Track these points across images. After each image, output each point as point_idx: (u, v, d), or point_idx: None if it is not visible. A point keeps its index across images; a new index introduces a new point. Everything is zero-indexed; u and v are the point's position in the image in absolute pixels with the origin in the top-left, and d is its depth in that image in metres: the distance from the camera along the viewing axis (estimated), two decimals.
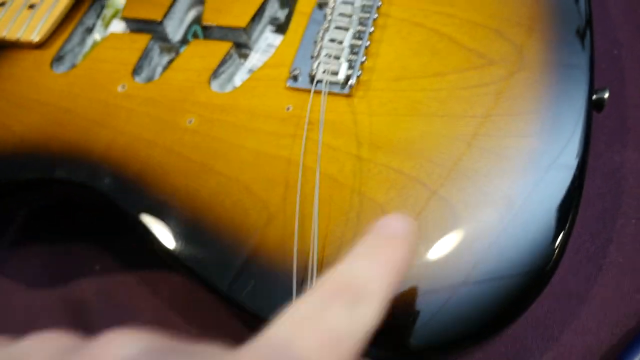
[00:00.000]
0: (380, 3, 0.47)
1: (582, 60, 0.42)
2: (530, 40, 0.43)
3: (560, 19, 0.44)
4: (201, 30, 0.52)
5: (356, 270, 0.19)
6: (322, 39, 0.45)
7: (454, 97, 0.41)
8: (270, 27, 0.53)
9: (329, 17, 0.46)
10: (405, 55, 0.44)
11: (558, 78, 0.42)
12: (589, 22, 0.44)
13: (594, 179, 0.45)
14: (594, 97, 0.42)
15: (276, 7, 0.54)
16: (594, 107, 0.43)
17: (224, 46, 0.49)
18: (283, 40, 0.48)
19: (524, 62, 0.42)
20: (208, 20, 0.50)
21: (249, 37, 0.51)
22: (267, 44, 0.52)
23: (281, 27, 0.52)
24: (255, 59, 0.51)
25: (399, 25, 0.46)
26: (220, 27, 0.50)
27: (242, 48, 0.51)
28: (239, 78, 0.50)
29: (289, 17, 0.50)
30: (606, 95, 0.43)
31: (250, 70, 0.50)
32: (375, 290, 0.19)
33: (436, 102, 0.41)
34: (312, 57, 0.45)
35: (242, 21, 0.50)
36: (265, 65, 0.46)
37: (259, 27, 0.52)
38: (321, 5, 0.48)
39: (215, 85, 0.47)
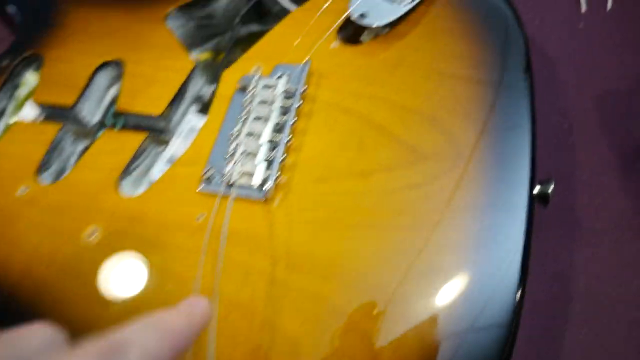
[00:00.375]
0: (305, 87, 0.42)
1: (522, 155, 0.37)
2: (466, 130, 0.39)
3: (500, 103, 0.40)
4: (117, 115, 0.47)
5: (127, 333, 0.19)
6: (240, 132, 0.41)
7: (381, 204, 0.37)
8: (194, 107, 0.49)
9: (248, 105, 0.42)
10: (330, 149, 0.40)
11: (496, 176, 0.37)
12: (531, 105, 0.40)
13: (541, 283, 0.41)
14: (537, 190, 0.38)
15: (200, 84, 0.50)
16: (538, 201, 0.39)
17: (137, 138, 0.44)
18: (201, 130, 0.43)
19: (458, 157, 0.38)
20: (122, 107, 0.46)
21: (168, 122, 0.46)
22: (189, 127, 0.47)
23: (206, 107, 0.48)
24: (176, 145, 0.46)
25: (326, 112, 0.42)
26: (135, 115, 0.46)
27: (161, 134, 0.46)
28: (157, 170, 0.45)
29: (212, 98, 0.46)
30: (551, 188, 0.39)
31: (170, 160, 0.46)
32: (137, 352, 0.19)
33: (361, 211, 0.37)
34: (227, 155, 0.40)
35: (157, 107, 0.45)
36: (179, 163, 0.42)
37: (181, 109, 0.47)
38: (243, 89, 0.44)
39: (126, 185, 0.43)
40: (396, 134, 0.39)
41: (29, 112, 0.50)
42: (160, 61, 0.48)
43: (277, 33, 0.48)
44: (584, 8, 0.51)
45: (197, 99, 0.49)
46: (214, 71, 0.51)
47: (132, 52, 0.49)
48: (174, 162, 0.42)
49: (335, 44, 0.45)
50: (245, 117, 0.41)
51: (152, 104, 0.45)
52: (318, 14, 0.47)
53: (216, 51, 0.56)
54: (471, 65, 0.42)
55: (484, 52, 0.42)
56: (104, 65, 0.50)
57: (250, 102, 0.42)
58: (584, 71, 0.48)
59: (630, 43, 0.49)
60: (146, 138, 0.45)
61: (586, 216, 0.41)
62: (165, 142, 0.46)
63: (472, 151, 0.38)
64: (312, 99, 0.43)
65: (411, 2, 0.45)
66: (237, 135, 0.41)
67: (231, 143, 0.40)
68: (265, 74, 0.45)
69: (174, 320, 0.21)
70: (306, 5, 0.49)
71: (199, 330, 0.22)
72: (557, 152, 0.45)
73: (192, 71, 0.47)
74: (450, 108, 0.40)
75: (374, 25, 0.44)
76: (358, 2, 0.45)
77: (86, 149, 0.46)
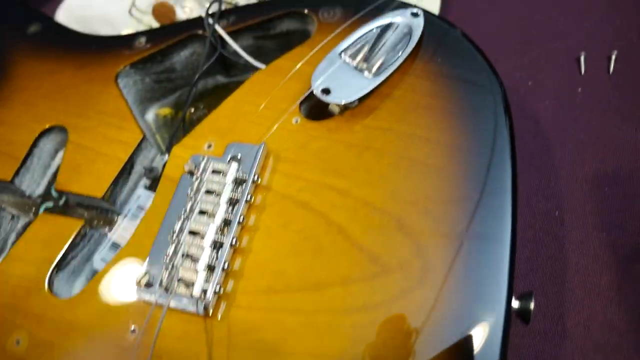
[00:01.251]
0: (257, 177, 0.38)
1: (500, 271, 0.33)
2: (437, 239, 0.34)
3: (479, 211, 0.34)
4: (57, 193, 0.43)
5: None
6: (182, 229, 0.36)
7: (332, 329, 0.32)
8: (144, 181, 0.45)
9: (193, 196, 0.37)
10: (283, 253, 0.35)
11: (469, 295, 0.32)
12: (514, 213, 0.34)
13: None
14: (517, 306, 0.33)
15: (152, 155, 0.45)
16: (519, 318, 0.34)
17: (74, 225, 0.40)
18: (145, 217, 0.39)
19: (426, 273, 0.33)
20: (61, 186, 0.42)
21: (113, 202, 0.42)
22: (137, 205, 0.43)
23: (156, 183, 0.43)
24: (122, 227, 0.42)
25: (281, 205, 0.37)
26: (75, 195, 0.41)
27: (106, 214, 0.42)
28: (100, 257, 0.41)
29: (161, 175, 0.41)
30: (532, 304, 0.34)
31: (115, 245, 0.42)
32: None
33: (309, 337, 0.32)
34: (166, 257, 0.36)
35: (99, 188, 0.41)
36: (115, 260, 0.38)
37: (128, 186, 0.43)
38: (191, 172, 0.39)
39: (60, 281, 0.39)
40: (357, 240, 0.35)
41: None
42: (106, 131, 0.43)
43: (235, 101, 0.43)
44: (583, 70, 0.45)
45: (149, 171, 0.44)
46: (166, 140, 0.46)
47: (77, 118, 0.44)
48: (113, 257, 0.38)
49: (297, 119, 0.41)
50: (189, 210, 0.37)
51: (93, 184, 0.41)
52: (282, 82, 0.42)
53: (177, 106, 0.52)
54: (448, 155, 0.37)
55: (465, 141, 0.37)
56: (48, 131, 0.45)
57: (197, 191, 0.37)
58: (579, 147, 0.43)
59: (631, 113, 0.43)
60: (87, 221, 0.41)
61: (576, 330, 0.36)
62: (110, 223, 0.42)
63: (442, 266, 0.33)
64: (267, 189, 0.38)
65: (382, 74, 0.40)
66: (179, 233, 0.36)
67: (172, 242, 0.36)
68: (217, 153, 0.40)
69: None
70: (270, 68, 0.44)
71: None
72: (544, 248, 0.40)
73: (141, 143, 0.43)
74: (420, 208, 0.35)
75: (339, 104, 0.39)
76: (321, 75, 0.40)
77: (28, 224, 0.42)
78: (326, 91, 0.39)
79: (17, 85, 0.48)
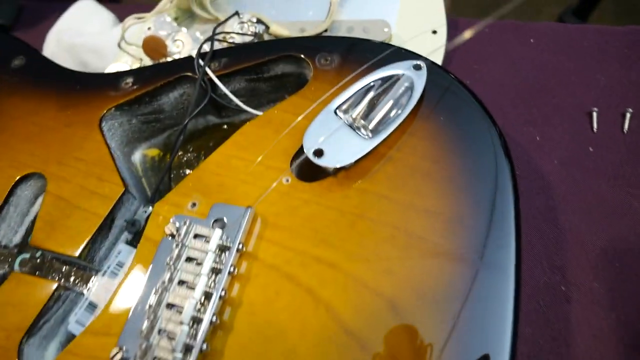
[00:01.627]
0: (241, 246, 0.35)
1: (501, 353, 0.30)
2: (432, 326, 0.31)
3: (478, 288, 0.32)
4: (32, 249, 0.41)
5: None
6: (159, 302, 0.34)
7: None
8: (126, 235, 0.42)
9: (173, 264, 0.35)
10: (266, 333, 0.33)
11: None
12: (517, 292, 0.32)
13: None
14: None
15: (133, 208, 0.42)
16: None
17: (48, 287, 0.38)
18: (119, 286, 0.36)
19: None
20: (36, 242, 0.39)
21: (91, 259, 0.39)
22: (117, 262, 0.41)
23: (139, 236, 0.41)
24: (100, 285, 0.40)
25: (265, 278, 0.34)
26: (50, 252, 0.39)
27: (84, 270, 0.40)
28: (75, 319, 0.39)
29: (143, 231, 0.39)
30: None
31: (91, 306, 0.39)
32: None
33: None
34: (141, 333, 0.33)
35: (75, 247, 0.38)
36: (88, 331, 0.35)
37: (108, 241, 0.41)
38: (172, 235, 0.37)
39: (31, 346, 0.36)
40: (346, 322, 0.32)
41: None
42: (85, 182, 0.41)
43: (223, 155, 0.40)
44: (595, 127, 0.43)
45: (130, 225, 0.42)
46: (152, 186, 0.44)
47: (56, 166, 0.42)
48: (89, 322, 0.36)
49: (288, 178, 0.38)
50: (167, 280, 0.34)
51: (69, 242, 0.38)
52: (275, 140, 0.40)
53: (165, 147, 0.49)
54: (447, 230, 0.34)
55: (466, 213, 0.34)
56: (27, 177, 0.43)
57: (177, 259, 0.35)
58: (588, 213, 0.40)
59: None
60: (64, 277, 0.38)
61: None
62: (87, 281, 0.40)
63: (437, 355, 0.30)
64: (252, 257, 0.35)
65: (381, 134, 0.37)
66: (156, 307, 0.34)
67: (148, 316, 0.33)
68: (201, 213, 0.38)
69: None
70: (261, 120, 0.41)
71: None
72: (548, 328, 0.37)
73: (122, 196, 0.40)
74: (415, 290, 0.32)
75: (332, 168, 0.36)
76: (314, 135, 0.37)
77: (5, 276, 0.40)
78: (319, 153, 0.37)
79: None
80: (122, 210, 0.41)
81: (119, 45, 0.51)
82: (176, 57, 0.51)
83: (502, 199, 0.35)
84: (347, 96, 0.39)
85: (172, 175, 0.47)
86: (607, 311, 0.36)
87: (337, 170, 0.38)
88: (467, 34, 0.45)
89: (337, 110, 0.38)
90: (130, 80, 0.46)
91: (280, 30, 0.50)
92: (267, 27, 0.51)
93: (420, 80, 0.39)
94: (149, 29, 0.55)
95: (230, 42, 0.50)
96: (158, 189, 0.43)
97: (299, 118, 0.40)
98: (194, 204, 0.38)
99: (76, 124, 0.44)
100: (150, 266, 0.36)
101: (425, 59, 0.40)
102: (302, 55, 0.44)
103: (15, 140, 0.44)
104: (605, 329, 0.37)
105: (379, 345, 0.31)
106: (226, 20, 0.51)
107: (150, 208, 0.43)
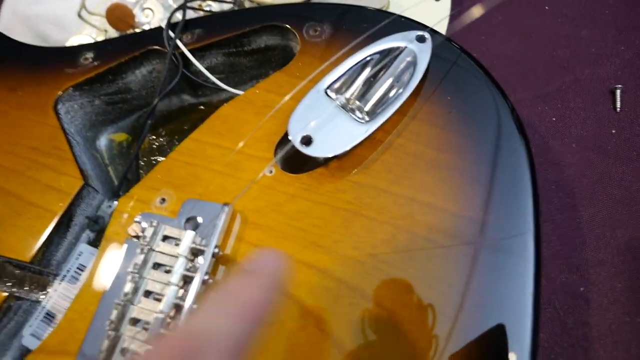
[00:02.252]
0: (217, 250, 0.30)
1: None
2: (434, 341, 0.27)
3: (485, 281, 0.27)
4: None
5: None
6: (122, 316, 0.29)
7: None
8: (87, 234, 0.37)
9: (138, 270, 0.30)
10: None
11: None
12: (536, 304, 0.27)
13: None
14: None
15: (95, 203, 0.37)
16: None
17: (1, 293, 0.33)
18: (78, 295, 0.31)
19: None
20: None
21: (47, 263, 0.34)
22: (78, 265, 0.36)
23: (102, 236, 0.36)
24: (59, 292, 0.35)
25: None
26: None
27: (40, 274, 0.35)
28: (31, 331, 0.34)
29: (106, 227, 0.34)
30: None
31: (49, 316, 0.34)
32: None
33: None
34: (100, 353, 0.28)
35: (26, 250, 0.33)
36: (42, 349, 0.30)
37: (67, 241, 0.35)
38: (137, 237, 0.32)
39: None
40: (338, 338, 0.28)
41: None
42: (38, 175, 0.35)
43: (197, 142, 0.35)
44: (619, 106, 0.38)
45: (93, 222, 0.37)
46: (119, 174, 0.39)
47: (4, 156, 0.36)
48: (45, 335, 0.31)
49: (271, 169, 0.33)
50: (131, 291, 0.29)
51: (20, 245, 0.33)
52: (258, 124, 0.34)
53: (134, 131, 0.44)
54: (455, 229, 0.29)
55: (476, 210, 0.30)
56: None
57: (143, 265, 0.30)
58: (610, 206, 0.35)
59: None
60: (16, 285, 0.33)
61: None
62: (44, 287, 0.35)
63: None
64: (230, 261, 0.30)
65: (380, 117, 0.32)
66: (119, 322, 0.29)
67: (108, 333, 0.29)
68: (171, 211, 0.33)
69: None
70: (240, 101, 0.36)
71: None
72: (566, 334, 0.33)
73: (81, 190, 0.35)
74: (416, 301, 0.28)
75: (322, 157, 0.31)
76: (301, 119, 0.32)
77: None
78: (307, 140, 0.31)
79: None
80: (82, 206, 0.36)
81: (79, 15, 0.45)
82: (146, 28, 0.45)
83: (519, 190, 0.30)
84: (339, 73, 0.34)
85: (141, 164, 0.42)
86: (630, 314, 0.32)
87: (328, 160, 0.33)
88: (477, 11, 0.39)
89: (328, 90, 0.33)
90: (90, 55, 0.40)
91: None
92: None
93: (424, 54, 0.34)
94: None
95: (206, 11, 0.44)
96: (125, 180, 0.38)
97: (285, 99, 0.35)
98: (163, 200, 0.33)
99: (27, 107, 0.38)
100: (115, 272, 0.31)
101: (430, 29, 0.35)
102: (288, 26, 0.38)
103: None
104: (627, 333, 0.33)
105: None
106: None
107: (116, 203, 0.37)
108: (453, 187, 0.31)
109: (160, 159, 0.42)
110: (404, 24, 0.36)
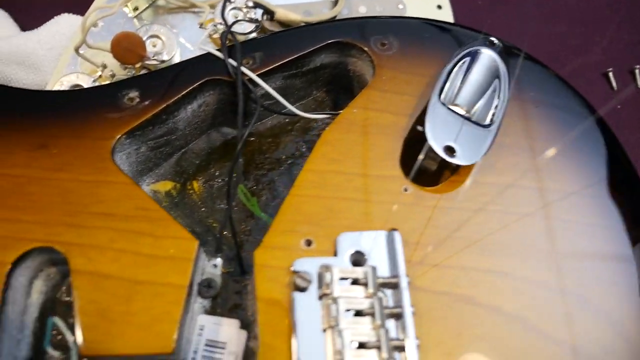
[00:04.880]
0: (408, 279, 0.28)
1: None
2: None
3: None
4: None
5: None
6: None
7: None
8: (201, 304, 0.31)
9: (334, 323, 0.26)
10: None
11: None
12: None
13: None
14: None
15: (199, 266, 0.31)
16: None
17: None
18: None
19: None
20: (90, 351, 0.26)
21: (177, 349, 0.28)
22: (205, 343, 0.30)
23: (220, 302, 0.30)
24: None
25: (442, 308, 0.28)
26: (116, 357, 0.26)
27: None
28: None
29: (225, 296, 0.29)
30: None
31: None
32: None
33: None
34: None
35: (161, 341, 0.27)
36: None
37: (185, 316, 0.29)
38: (302, 288, 0.28)
39: None
40: (549, 332, 0.28)
41: None
42: (130, 244, 0.28)
43: (314, 173, 0.32)
44: (615, 85, 0.45)
45: (206, 288, 0.31)
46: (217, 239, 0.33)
47: (70, 231, 0.28)
48: None
49: (407, 187, 0.32)
50: (340, 345, 0.26)
51: (146, 336, 0.26)
52: (370, 146, 0.33)
53: (180, 176, 0.38)
54: (592, 205, 0.33)
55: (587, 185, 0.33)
56: (30, 254, 0.28)
57: (335, 316, 0.26)
58: None
59: None
60: None
61: None
62: None
63: None
64: (415, 288, 0.29)
65: (496, 121, 0.33)
66: None
67: None
68: (323, 251, 0.29)
69: None
70: (340, 123, 0.34)
71: None
72: None
73: (197, 253, 0.29)
74: (588, 266, 0.30)
75: (465, 164, 0.32)
76: (435, 129, 0.31)
77: None
78: (450, 150, 0.31)
79: None
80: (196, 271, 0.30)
81: (76, 51, 0.37)
82: (163, 58, 0.39)
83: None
84: (440, 83, 0.34)
85: (203, 210, 0.37)
86: None
87: (454, 169, 0.33)
88: None
89: (443, 101, 0.33)
90: (134, 94, 0.33)
91: (290, 15, 0.42)
92: (271, 13, 0.42)
93: (500, 58, 0.36)
94: (95, 26, 0.41)
95: (237, 33, 0.40)
96: (225, 232, 0.33)
97: (387, 115, 0.34)
98: (308, 242, 0.30)
99: (72, 167, 0.30)
100: (296, 339, 0.27)
101: (489, 35, 0.38)
102: (356, 42, 0.37)
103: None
104: None
105: (589, 345, 0.28)
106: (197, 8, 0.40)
107: (218, 259, 0.32)
108: (570, 171, 0.34)
109: (221, 204, 0.37)
110: (464, 32, 0.38)
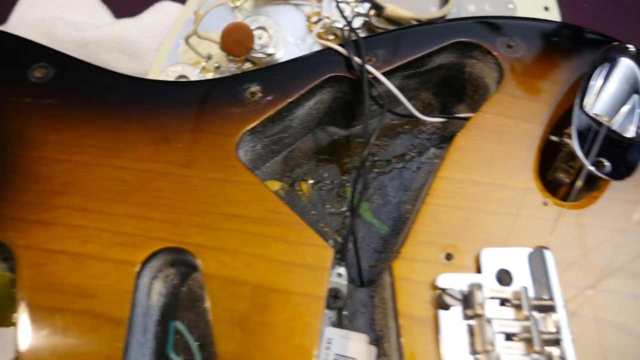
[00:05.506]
0: (564, 302, 0.26)
1: None
2: None
3: None
4: None
5: None
6: None
7: None
8: (326, 315, 0.29)
9: (488, 347, 0.24)
10: None
11: None
12: None
13: None
14: None
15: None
16: None
17: None
18: None
19: None
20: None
21: None
22: (334, 356, 0.28)
23: (348, 314, 0.29)
24: None
25: (598, 336, 0.26)
26: None
27: None
28: None
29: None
30: None
31: None
32: None
33: None
34: None
35: (302, 354, 0.25)
36: None
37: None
38: (445, 306, 0.26)
39: None
40: None
41: None
42: (265, 251, 0.27)
43: (450, 182, 0.30)
44: None
45: (333, 299, 0.29)
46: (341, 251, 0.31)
47: (201, 232, 0.27)
48: None
49: (547, 201, 0.30)
50: None
51: (287, 349, 0.25)
52: (507, 155, 0.31)
53: (285, 175, 0.36)
54: None
55: None
56: (157, 254, 0.27)
57: (489, 339, 0.25)
58: None
59: None
60: None
61: None
62: None
63: None
64: (572, 311, 0.27)
65: None
66: None
67: None
68: (462, 266, 0.27)
69: None
70: (472, 130, 0.32)
71: None
72: None
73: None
74: None
75: (618, 180, 0.29)
76: (583, 144, 0.29)
77: None
78: (600, 164, 0.29)
79: (51, 188, 0.28)
80: None
81: (186, 40, 0.35)
82: (269, 51, 0.37)
83: None
84: (582, 92, 0.32)
85: (313, 213, 0.35)
86: None
87: (590, 182, 0.31)
88: None
89: (587, 109, 0.31)
90: (256, 88, 0.32)
91: (400, 11, 0.40)
92: (380, 8, 0.40)
93: (635, 65, 0.34)
94: (194, 13, 0.40)
95: (337, 29, 0.38)
96: (348, 241, 0.31)
97: (521, 122, 0.32)
98: (448, 255, 0.28)
99: (199, 163, 0.29)
100: (449, 355, 0.25)
101: (623, 42, 0.35)
102: (481, 43, 0.35)
103: (95, 200, 0.27)
104: None
105: None
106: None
107: (342, 268, 0.30)
108: None
109: (343, 207, 0.35)
110: (594, 38, 0.36)
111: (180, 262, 0.29)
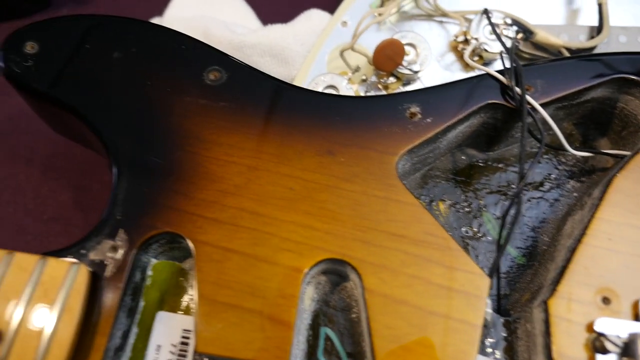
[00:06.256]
0: None
1: None
2: None
3: None
4: None
5: None
6: None
7: None
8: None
9: None
10: None
11: None
12: None
13: None
14: None
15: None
16: None
17: None
18: None
19: None
20: None
21: None
22: None
23: (496, 343, 0.29)
24: None
25: None
26: None
27: None
28: None
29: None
30: None
31: None
32: None
33: None
34: None
35: None
36: None
37: None
38: (602, 351, 0.26)
39: None
40: None
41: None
42: (422, 272, 0.28)
43: (610, 223, 0.29)
44: None
45: (487, 330, 0.30)
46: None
47: (364, 247, 0.28)
48: None
49: None
50: None
51: None
52: None
53: (425, 194, 0.37)
54: None
55: None
56: (318, 263, 0.28)
57: None
58: None
59: None
60: None
61: None
62: None
63: None
64: None
65: None
66: None
67: None
68: (618, 312, 0.27)
69: None
70: (634, 168, 0.31)
71: None
72: None
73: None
74: None
75: None
76: None
77: None
78: None
79: (211, 187, 0.30)
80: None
81: (341, 53, 0.36)
82: (415, 68, 0.38)
83: None
84: None
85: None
86: None
87: None
88: None
89: None
90: (416, 109, 0.32)
91: (551, 38, 0.39)
92: (530, 33, 0.39)
93: None
94: (344, 26, 0.41)
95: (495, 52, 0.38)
96: (493, 275, 0.31)
97: None
98: (605, 299, 0.28)
99: (362, 178, 0.30)
100: None
101: None
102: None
103: (264, 204, 0.29)
104: None
105: None
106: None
107: (488, 299, 0.31)
108: None
109: (488, 241, 0.35)
110: None
111: (333, 271, 0.30)
